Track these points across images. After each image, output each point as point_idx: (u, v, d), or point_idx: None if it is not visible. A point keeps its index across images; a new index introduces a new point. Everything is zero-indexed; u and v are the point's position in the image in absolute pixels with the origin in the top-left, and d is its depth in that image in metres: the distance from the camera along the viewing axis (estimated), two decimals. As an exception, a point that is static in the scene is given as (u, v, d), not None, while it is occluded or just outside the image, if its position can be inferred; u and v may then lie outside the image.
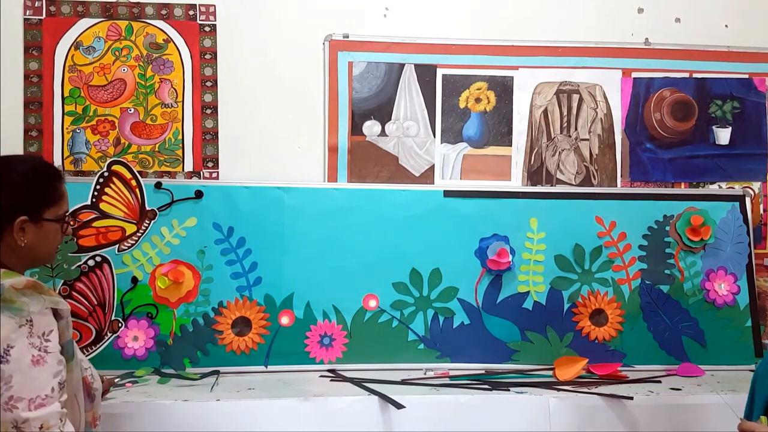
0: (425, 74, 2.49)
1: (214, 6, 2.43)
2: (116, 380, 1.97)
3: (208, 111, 2.43)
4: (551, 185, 2.52)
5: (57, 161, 2.35)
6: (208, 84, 2.42)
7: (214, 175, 2.43)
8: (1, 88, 2.33)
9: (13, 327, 1.30)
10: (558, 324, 2.38)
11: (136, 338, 2.24)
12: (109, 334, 2.24)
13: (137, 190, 2.30)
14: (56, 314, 1.36)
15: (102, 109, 2.38)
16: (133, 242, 2.28)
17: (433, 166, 2.49)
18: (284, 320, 2.31)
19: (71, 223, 1.55)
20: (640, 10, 2.58)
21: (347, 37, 2.46)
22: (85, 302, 2.24)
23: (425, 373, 2.26)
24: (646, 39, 2.57)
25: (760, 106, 2.59)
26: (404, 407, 1.93)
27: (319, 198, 2.37)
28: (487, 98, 2.51)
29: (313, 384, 2.15)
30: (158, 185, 2.31)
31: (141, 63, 2.40)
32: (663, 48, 2.56)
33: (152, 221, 2.29)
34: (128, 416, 1.91)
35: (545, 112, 2.53)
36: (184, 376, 2.15)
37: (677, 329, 2.39)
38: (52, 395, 1.30)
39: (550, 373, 2.28)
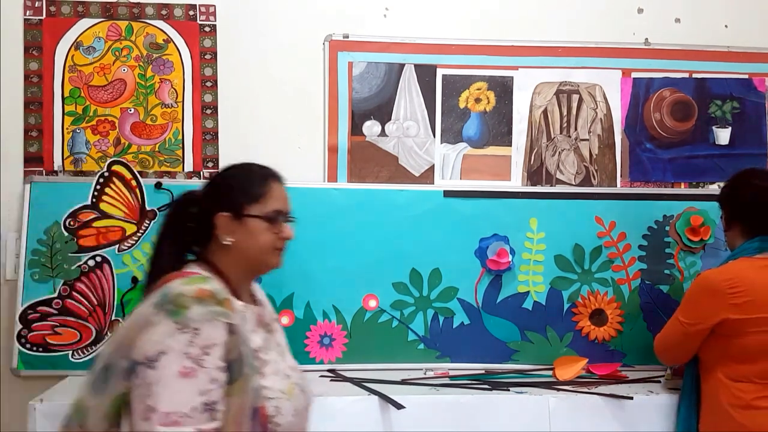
0: (425, 74, 2.49)
1: (214, 6, 2.43)
2: None
3: (208, 111, 2.43)
4: (551, 185, 2.52)
5: (57, 161, 2.35)
6: (208, 84, 2.42)
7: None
8: (1, 88, 2.33)
9: (171, 332, 1.20)
10: (558, 324, 2.38)
11: (136, 338, 2.24)
12: (110, 334, 2.24)
13: (137, 190, 2.30)
14: (231, 330, 1.25)
15: (102, 109, 2.38)
16: (134, 242, 2.28)
17: (433, 166, 2.49)
18: (284, 320, 2.31)
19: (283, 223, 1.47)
20: (640, 10, 2.58)
21: (347, 37, 2.46)
22: (86, 302, 2.24)
23: (425, 373, 2.27)
24: (646, 39, 2.57)
25: (759, 107, 2.59)
26: (404, 407, 1.94)
27: (319, 198, 2.37)
28: (487, 98, 2.51)
29: (313, 384, 2.13)
30: (158, 185, 2.31)
31: (141, 63, 2.40)
32: (663, 48, 2.56)
33: (152, 221, 2.29)
34: (128, 416, 1.91)
35: (545, 112, 2.53)
36: None
37: (677, 329, 2.39)
38: (191, 416, 1.17)
39: (550, 373, 2.29)
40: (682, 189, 2.55)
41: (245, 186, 1.46)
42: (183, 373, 1.18)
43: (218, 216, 1.40)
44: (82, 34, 2.37)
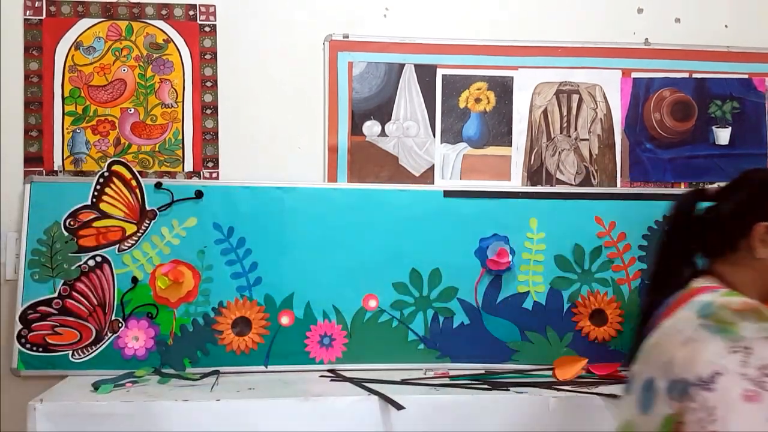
0: (425, 74, 2.49)
1: (214, 6, 2.43)
2: None
3: (208, 111, 2.43)
4: (551, 185, 2.52)
5: (57, 161, 2.35)
6: (208, 84, 2.43)
7: (214, 175, 2.43)
8: (1, 88, 2.33)
9: (723, 352, 1.08)
10: (558, 324, 2.38)
11: (136, 338, 2.24)
12: (110, 334, 2.24)
13: (137, 190, 2.30)
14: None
15: (102, 109, 2.38)
16: (134, 242, 2.28)
17: (433, 166, 2.49)
18: (284, 320, 2.31)
19: None
20: (640, 10, 2.58)
21: (347, 37, 2.46)
22: (86, 302, 2.24)
23: (425, 373, 2.26)
24: (646, 39, 2.57)
25: (759, 107, 2.59)
26: (404, 408, 1.93)
27: (319, 198, 2.37)
28: (487, 98, 2.52)
29: (313, 384, 2.15)
30: (158, 185, 2.31)
31: (141, 63, 2.40)
32: (663, 48, 2.56)
33: (152, 221, 2.29)
34: (128, 416, 1.90)
35: (545, 112, 2.53)
36: (184, 376, 2.16)
37: (677, 329, 2.39)
38: None
39: (550, 373, 2.29)
40: (682, 189, 2.55)
41: None
42: (746, 396, 1.05)
43: (759, 225, 1.24)
44: (82, 34, 2.37)
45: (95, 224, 2.27)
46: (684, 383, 1.08)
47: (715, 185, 1.28)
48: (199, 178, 2.41)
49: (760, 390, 1.04)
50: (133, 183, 2.30)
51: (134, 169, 2.32)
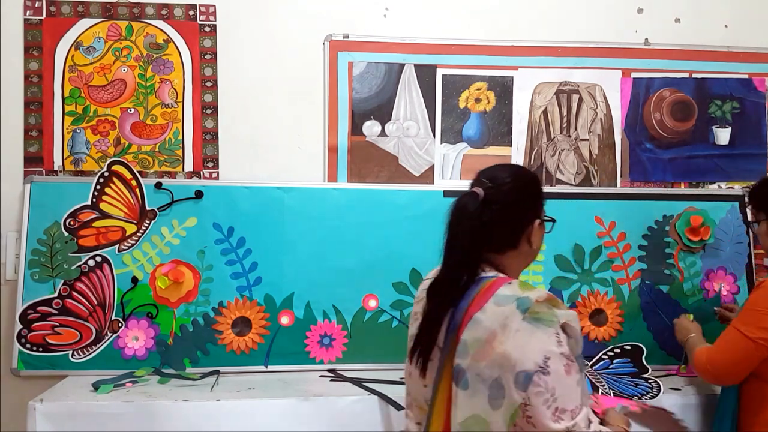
0: (425, 74, 2.49)
1: (214, 6, 2.43)
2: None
3: (208, 111, 2.43)
4: (551, 185, 2.52)
5: (57, 161, 2.35)
6: (208, 84, 2.43)
7: (214, 175, 2.43)
8: (1, 88, 2.33)
9: (547, 338, 1.26)
10: (558, 324, 2.38)
11: (136, 338, 2.24)
12: (110, 334, 2.24)
13: (137, 190, 2.30)
14: (565, 331, 1.29)
15: (102, 109, 2.38)
16: (134, 242, 2.28)
17: (433, 166, 2.49)
18: (284, 320, 2.31)
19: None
20: (640, 10, 2.58)
21: (347, 37, 2.46)
22: (86, 302, 2.24)
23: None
24: (646, 39, 2.57)
25: (759, 106, 2.59)
26: (404, 408, 1.93)
27: (319, 198, 2.37)
28: (487, 98, 2.52)
29: (313, 384, 2.15)
30: (158, 185, 2.31)
31: (141, 63, 2.40)
32: (663, 48, 2.56)
33: (152, 221, 2.29)
34: (128, 416, 1.91)
35: (545, 112, 2.53)
36: (184, 376, 2.16)
37: (677, 329, 2.39)
38: (584, 402, 1.27)
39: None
40: (682, 189, 2.55)
41: (541, 189, 1.49)
42: (566, 370, 1.25)
43: (537, 222, 1.43)
44: (82, 34, 2.37)
45: (95, 224, 2.27)
46: (527, 373, 1.24)
47: (476, 188, 1.43)
48: (199, 178, 2.41)
49: (571, 362, 1.26)
50: (133, 183, 2.30)
51: (134, 169, 2.31)
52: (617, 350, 2.25)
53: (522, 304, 1.29)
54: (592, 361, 2.22)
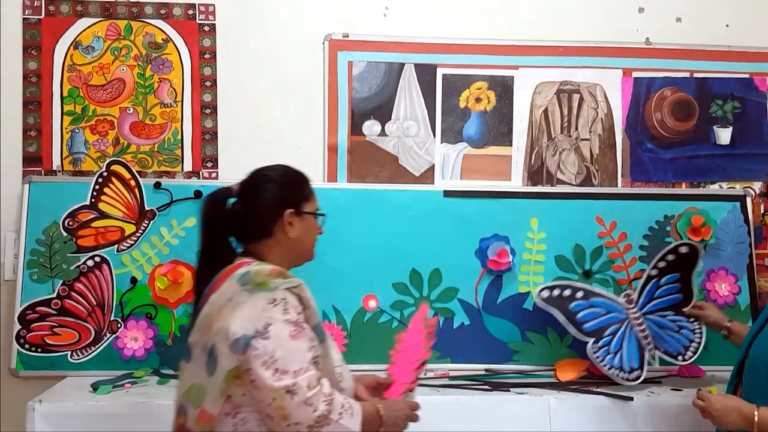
0: (425, 74, 2.49)
1: (214, 6, 2.42)
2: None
3: (208, 111, 2.42)
4: (552, 185, 2.51)
5: (56, 161, 2.35)
6: (208, 84, 2.42)
7: (214, 175, 2.42)
8: (1, 87, 2.33)
9: (267, 305, 1.38)
10: (558, 324, 2.37)
11: (135, 339, 2.24)
12: (109, 335, 2.24)
13: (136, 190, 2.29)
14: (300, 302, 1.45)
15: (101, 108, 2.38)
16: (133, 242, 2.28)
17: (433, 166, 2.49)
18: (284, 320, 2.30)
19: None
20: (641, 10, 2.57)
21: (347, 36, 2.46)
22: (84, 302, 2.23)
23: (425, 373, 2.26)
24: (647, 39, 2.56)
25: (760, 106, 2.58)
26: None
27: (319, 198, 2.35)
28: (487, 98, 2.51)
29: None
30: (157, 185, 2.31)
31: (140, 63, 2.39)
32: (663, 48, 2.55)
33: (151, 221, 2.29)
34: (128, 416, 1.90)
35: (545, 112, 2.53)
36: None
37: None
38: (310, 366, 1.38)
39: (551, 373, 2.28)
40: (683, 189, 2.54)
41: (300, 184, 1.61)
42: (292, 336, 1.38)
43: (287, 212, 1.53)
44: (81, 33, 2.37)
45: (94, 224, 2.26)
46: (245, 338, 1.34)
47: (236, 184, 1.57)
48: (199, 178, 2.41)
49: (300, 329, 1.40)
50: (132, 183, 2.30)
51: (133, 169, 2.31)
52: (670, 257, 2.24)
53: (243, 277, 1.41)
54: (639, 284, 2.25)
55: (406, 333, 1.88)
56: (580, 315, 2.20)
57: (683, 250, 2.23)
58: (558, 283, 2.26)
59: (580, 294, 2.23)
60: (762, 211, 2.55)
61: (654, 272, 2.25)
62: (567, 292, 2.23)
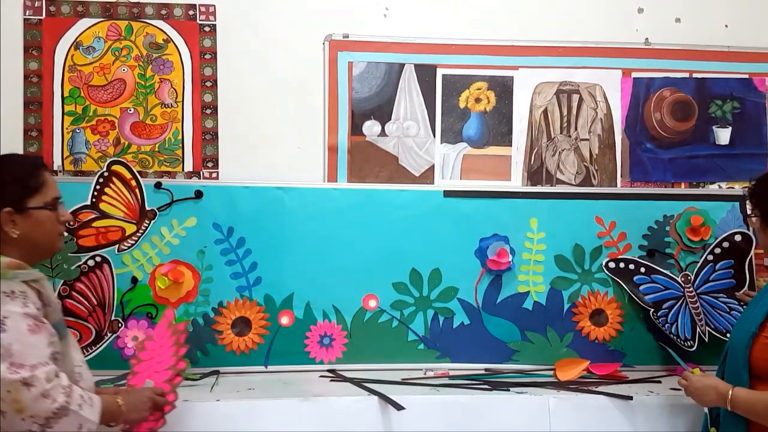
0: (425, 74, 2.49)
1: (214, 6, 2.42)
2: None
3: (208, 111, 2.43)
4: (551, 185, 2.51)
5: (57, 161, 2.35)
6: (208, 84, 2.42)
7: (214, 175, 2.43)
8: (1, 88, 2.33)
9: (6, 298, 1.38)
10: (558, 324, 2.38)
11: (136, 338, 2.24)
12: (109, 334, 2.24)
13: (137, 190, 2.30)
14: (40, 297, 1.45)
15: (102, 109, 2.38)
16: (133, 242, 2.28)
17: (433, 166, 2.49)
18: (284, 320, 2.31)
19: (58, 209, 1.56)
20: (640, 10, 2.57)
21: (347, 37, 2.46)
22: (85, 302, 2.24)
23: (425, 373, 2.26)
24: (646, 39, 2.56)
25: (760, 106, 2.59)
26: (404, 408, 1.93)
27: (319, 198, 2.37)
28: (487, 98, 2.51)
29: (313, 384, 2.15)
30: (158, 185, 2.31)
31: (141, 63, 2.40)
32: (663, 48, 2.56)
33: (152, 221, 2.29)
34: (128, 416, 1.90)
35: (545, 112, 2.53)
36: (184, 376, 2.15)
37: (677, 329, 2.40)
38: (48, 361, 1.39)
39: (551, 373, 2.28)
40: (683, 189, 2.55)
41: (23, 178, 1.52)
42: (30, 329, 1.38)
43: (4, 212, 1.47)
44: (81, 33, 2.37)
45: (95, 224, 2.27)
46: None
47: None
48: (199, 178, 2.41)
49: (39, 323, 1.40)
50: (133, 183, 2.30)
51: (134, 169, 2.31)
52: (725, 244, 2.37)
53: None
54: (696, 268, 2.35)
55: (150, 341, 1.85)
56: (642, 287, 2.34)
57: (738, 238, 2.36)
58: (624, 257, 2.38)
59: (642, 270, 2.36)
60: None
61: (710, 257, 2.37)
62: (631, 266, 2.37)
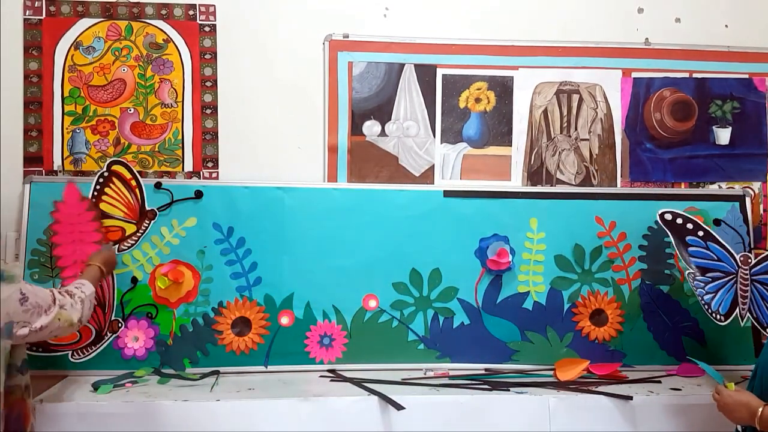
0: (425, 74, 2.49)
1: (214, 6, 2.42)
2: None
3: (208, 111, 2.43)
4: (551, 185, 2.51)
5: (57, 161, 2.35)
6: (208, 84, 2.42)
7: (214, 175, 2.43)
8: (1, 88, 2.33)
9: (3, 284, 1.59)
10: (558, 324, 2.38)
11: (136, 338, 2.24)
12: (109, 334, 2.24)
13: (137, 190, 2.30)
14: None
15: (102, 109, 2.38)
16: (133, 242, 2.28)
17: (433, 166, 2.49)
18: (284, 320, 2.31)
19: None
20: (640, 10, 2.57)
21: (347, 37, 2.46)
22: (85, 302, 2.23)
23: (425, 373, 2.26)
24: (646, 39, 2.56)
25: (760, 106, 2.59)
26: (404, 408, 1.93)
27: (319, 198, 2.37)
28: (487, 98, 2.51)
29: (313, 384, 2.15)
30: (158, 185, 2.31)
31: (141, 63, 2.40)
32: (663, 48, 2.56)
33: (152, 221, 2.29)
34: (128, 416, 1.91)
35: (545, 112, 2.53)
36: (184, 376, 2.15)
37: (677, 329, 2.39)
38: (51, 292, 1.72)
39: (551, 373, 2.28)
40: (683, 189, 2.55)
41: None
42: (29, 290, 1.63)
43: None
44: (81, 33, 2.37)
45: (95, 224, 2.27)
46: None
47: None
48: (199, 178, 2.41)
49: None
50: (133, 183, 2.30)
51: (134, 169, 2.31)
52: None
53: None
54: (763, 256, 2.23)
55: (58, 225, 2.15)
56: (691, 249, 2.25)
57: None
58: (683, 214, 2.28)
59: (700, 233, 2.26)
60: (762, 210, 2.55)
61: None
62: (689, 225, 2.27)
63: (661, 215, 2.28)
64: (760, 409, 1.61)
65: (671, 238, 2.27)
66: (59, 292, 1.75)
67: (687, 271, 2.24)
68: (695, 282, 2.23)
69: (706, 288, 2.24)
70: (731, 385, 1.76)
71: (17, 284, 1.62)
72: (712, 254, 2.26)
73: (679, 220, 2.27)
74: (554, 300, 2.39)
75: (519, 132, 2.52)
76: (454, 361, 2.34)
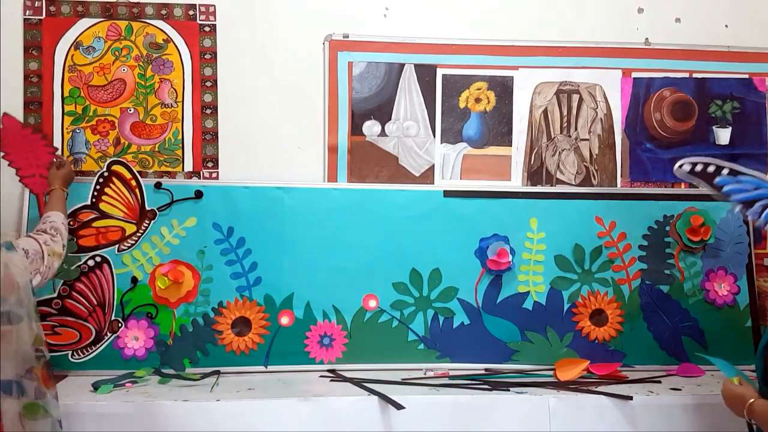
0: (425, 74, 2.49)
1: (214, 6, 2.42)
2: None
3: (208, 111, 2.43)
4: (551, 185, 2.52)
5: (57, 161, 2.36)
6: (208, 84, 2.42)
7: (214, 175, 2.43)
8: (1, 88, 2.33)
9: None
10: (558, 324, 2.38)
11: (136, 338, 2.24)
12: (109, 334, 2.24)
13: (137, 190, 2.30)
14: None
15: (102, 109, 2.38)
16: (133, 242, 2.28)
17: (433, 166, 2.49)
18: (284, 320, 2.31)
19: None
20: (640, 10, 2.58)
21: (347, 37, 2.46)
22: (85, 302, 2.24)
23: (425, 373, 2.26)
24: (646, 39, 2.56)
25: (760, 106, 2.59)
26: (404, 408, 1.93)
27: (319, 198, 2.37)
28: (487, 98, 2.51)
29: (313, 384, 2.15)
30: (158, 185, 2.31)
31: (141, 63, 2.40)
32: (663, 48, 2.56)
33: (152, 221, 2.29)
34: (128, 416, 1.91)
35: (545, 112, 2.53)
36: (184, 376, 2.15)
37: (677, 329, 2.39)
38: (35, 238, 1.84)
39: (551, 373, 2.28)
40: (683, 189, 2.55)
41: None
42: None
43: None
44: (81, 33, 2.37)
45: (95, 224, 2.27)
46: None
47: None
48: (199, 178, 2.41)
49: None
50: (133, 183, 2.30)
51: (134, 169, 2.31)
52: None
53: None
54: None
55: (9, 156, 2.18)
56: (726, 188, 2.06)
57: None
58: (701, 160, 2.11)
59: (725, 171, 2.08)
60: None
61: None
62: (711, 169, 2.09)
63: (680, 167, 2.10)
64: (750, 401, 1.65)
65: (702, 186, 2.09)
66: (36, 233, 1.88)
67: (735, 209, 2.01)
68: (750, 215, 1.99)
69: (763, 215, 1.99)
70: (735, 379, 1.77)
71: (18, 247, 1.74)
72: (746, 186, 2.06)
73: (699, 167, 2.09)
74: (554, 300, 2.39)
75: (519, 132, 2.52)
76: (454, 361, 2.34)
